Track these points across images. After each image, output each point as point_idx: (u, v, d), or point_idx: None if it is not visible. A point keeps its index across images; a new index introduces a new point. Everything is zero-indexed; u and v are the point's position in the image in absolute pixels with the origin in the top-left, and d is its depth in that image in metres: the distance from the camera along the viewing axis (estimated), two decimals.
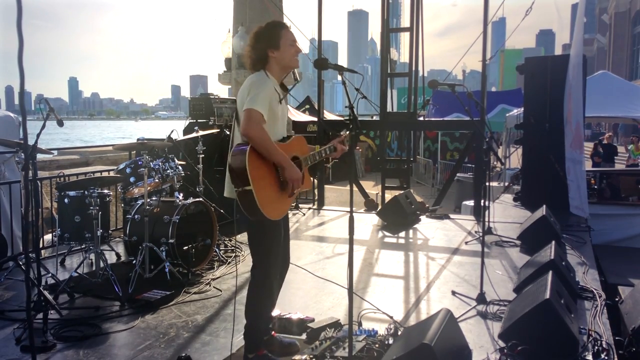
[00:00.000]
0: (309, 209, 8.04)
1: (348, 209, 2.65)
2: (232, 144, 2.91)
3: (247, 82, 2.84)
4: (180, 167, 4.96)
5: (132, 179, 4.66)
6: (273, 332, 3.18)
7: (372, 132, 18.34)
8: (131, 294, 4.04)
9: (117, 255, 5.12)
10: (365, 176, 16.54)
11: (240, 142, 2.77)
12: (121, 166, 4.76)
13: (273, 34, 2.90)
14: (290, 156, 2.88)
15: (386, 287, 4.45)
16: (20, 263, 4.22)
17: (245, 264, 4.98)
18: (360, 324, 3.40)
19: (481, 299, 3.91)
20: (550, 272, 3.35)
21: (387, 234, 6.49)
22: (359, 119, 2.96)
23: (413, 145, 9.20)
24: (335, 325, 3.35)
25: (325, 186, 8.81)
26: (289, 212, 3.67)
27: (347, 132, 3.03)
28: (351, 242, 2.60)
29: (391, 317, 3.40)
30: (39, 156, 4.75)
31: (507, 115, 13.45)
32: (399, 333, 3.14)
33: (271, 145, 2.72)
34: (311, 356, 2.94)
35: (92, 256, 4.47)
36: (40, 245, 5.18)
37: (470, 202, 8.36)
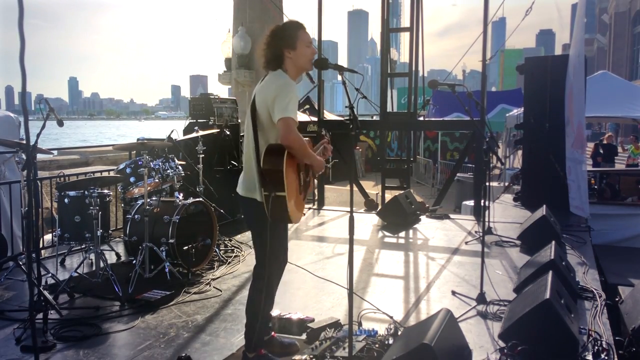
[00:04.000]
0: (309, 209, 8.04)
1: (348, 209, 2.65)
2: (247, 142, 2.85)
3: (272, 83, 2.75)
4: (180, 167, 4.96)
5: (132, 179, 4.67)
6: (273, 333, 3.18)
7: (372, 132, 18.33)
8: (131, 294, 4.04)
9: (117, 255, 5.11)
10: (365, 176, 16.53)
11: (272, 143, 2.71)
12: (121, 166, 4.77)
13: (290, 33, 2.83)
14: None
15: (386, 287, 4.45)
16: (20, 263, 4.22)
17: (245, 264, 4.98)
18: (360, 324, 3.40)
19: (481, 299, 3.91)
20: (550, 272, 3.35)
21: (387, 234, 6.49)
22: (359, 119, 2.96)
23: (413, 145, 9.20)
24: (335, 325, 3.35)
25: (325, 186, 8.81)
26: None
27: (326, 134, 3.09)
28: (351, 242, 2.60)
29: (391, 317, 3.40)
30: (39, 156, 4.75)
31: (507, 115, 13.48)
32: (399, 333, 3.14)
33: (308, 149, 2.77)
34: (311, 356, 2.94)
35: (92, 256, 4.47)
36: (40, 245, 5.18)
37: (470, 202, 8.36)
